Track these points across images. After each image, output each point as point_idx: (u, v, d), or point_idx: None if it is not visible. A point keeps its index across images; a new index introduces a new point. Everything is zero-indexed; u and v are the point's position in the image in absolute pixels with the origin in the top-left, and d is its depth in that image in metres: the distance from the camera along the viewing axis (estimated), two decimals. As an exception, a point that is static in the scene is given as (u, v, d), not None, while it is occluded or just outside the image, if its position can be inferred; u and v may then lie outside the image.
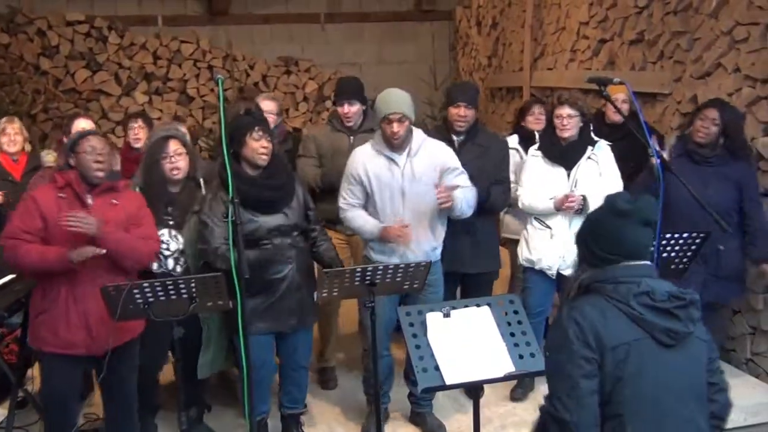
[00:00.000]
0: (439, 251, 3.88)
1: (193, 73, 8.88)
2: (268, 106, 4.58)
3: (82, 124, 4.45)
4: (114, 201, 3.37)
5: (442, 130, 4.20)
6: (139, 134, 4.91)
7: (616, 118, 4.69)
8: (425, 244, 3.79)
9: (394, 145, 3.70)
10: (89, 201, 3.30)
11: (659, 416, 2.04)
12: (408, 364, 3.90)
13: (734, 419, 4.01)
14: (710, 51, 4.67)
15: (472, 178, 3.89)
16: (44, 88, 8.36)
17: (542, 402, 2.16)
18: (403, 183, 3.70)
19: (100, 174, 3.31)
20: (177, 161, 3.67)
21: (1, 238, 3.32)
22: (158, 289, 3.11)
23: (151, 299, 3.12)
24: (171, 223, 3.67)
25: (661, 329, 2.04)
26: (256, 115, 3.72)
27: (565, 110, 4.05)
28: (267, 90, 8.96)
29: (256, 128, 3.56)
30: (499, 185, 4.17)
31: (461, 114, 4.09)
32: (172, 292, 3.13)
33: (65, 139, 4.44)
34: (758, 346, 4.41)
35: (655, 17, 5.23)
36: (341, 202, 3.85)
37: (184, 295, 3.15)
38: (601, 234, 2.14)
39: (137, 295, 3.10)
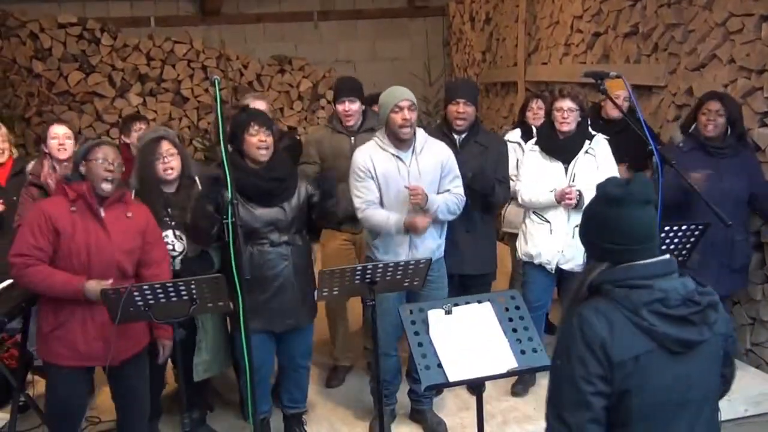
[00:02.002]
0: (442, 249, 3.86)
1: (186, 73, 8.85)
2: (260, 105, 4.56)
3: (56, 129, 4.35)
4: (129, 215, 3.35)
5: (443, 129, 4.17)
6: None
7: (614, 113, 4.69)
8: (430, 242, 3.77)
9: (404, 135, 3.63)
10: (102, 214, 3.27)
11: (668, 423, 1.93)
12: (411, 362, 3.89)
13: (735, 410, 4.06)
14: (705, 43, 4.67)
15: (474, 176, 3.91)
16: (38, 91, 8.32)
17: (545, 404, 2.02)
18: (410, 181, 3.65)
19: (108, 186, 3.26)
20: (170, 161, 3.68)
21: (10, 255, 3.22)
22: (158, 291, 3.10)
23: (151, 301, 3.10)
24: (173, 224, 3.66)
25: (672, 340, 1.89)
26: (251, 112, 3.73)
27: (566, 103, 4.01)
28: (261, 90, 8.94)
29: (252, 124, 3.58)
30: (498, 185, 4.15)
31: (460, 111, 4.06)
32: (172, 294, 3.12)
33: (43, 146, 4.42)
34: (758, 336, 4.43)
35: (648, 10, 5.23)
36: (357, 202, 3.72)
37: (185, 297, 3.14)
38: (602, 226, 1.98)
39: (137, 298, 3.09)
